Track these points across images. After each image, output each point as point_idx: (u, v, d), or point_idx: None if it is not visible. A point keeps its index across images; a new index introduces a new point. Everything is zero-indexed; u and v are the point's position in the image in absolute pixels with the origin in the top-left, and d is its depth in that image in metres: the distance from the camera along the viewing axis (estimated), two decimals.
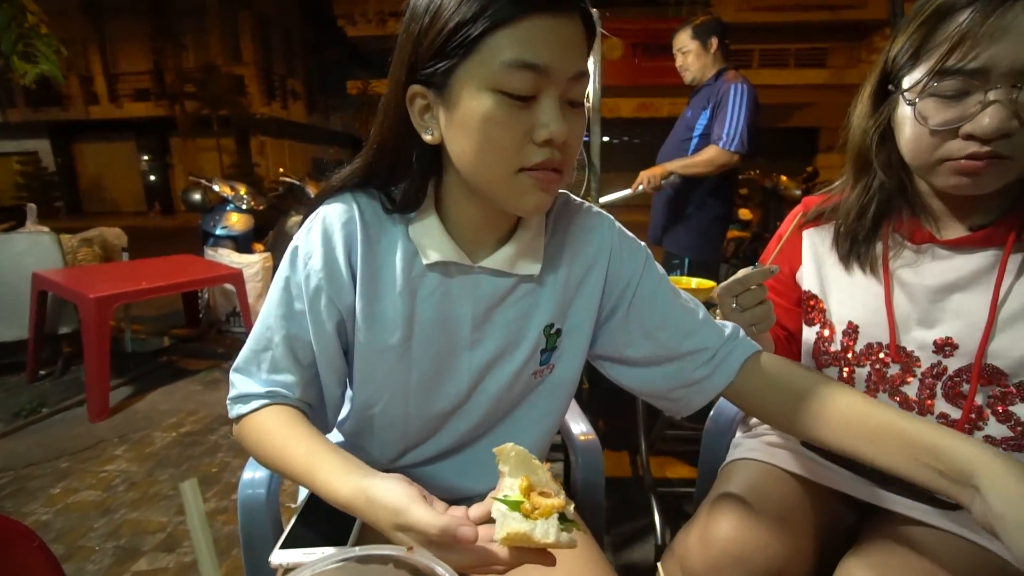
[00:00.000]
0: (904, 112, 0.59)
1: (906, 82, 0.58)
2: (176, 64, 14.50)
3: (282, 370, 0.58)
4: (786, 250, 0.74)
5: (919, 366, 0.64)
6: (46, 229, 2.76)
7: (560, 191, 0.65)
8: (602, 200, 1.76)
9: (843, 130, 0.69)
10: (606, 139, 1.69)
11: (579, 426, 0.88)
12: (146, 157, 16.60)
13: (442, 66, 0.48)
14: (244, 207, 3.47)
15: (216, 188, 3.48)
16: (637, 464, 1.76)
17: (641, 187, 2.12)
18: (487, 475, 0.67)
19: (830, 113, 14.41)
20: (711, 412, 0.95)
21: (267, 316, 0.58)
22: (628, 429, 1.73)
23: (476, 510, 0.44)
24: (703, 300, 1.52)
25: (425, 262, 0.57)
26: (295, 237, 0.58)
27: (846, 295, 0.70)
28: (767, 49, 13.64)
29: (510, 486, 0.42)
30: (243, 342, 0.61)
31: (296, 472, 0.52)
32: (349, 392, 0.66)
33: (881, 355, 0.67)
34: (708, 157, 2.01)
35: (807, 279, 0.74)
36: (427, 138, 0.53)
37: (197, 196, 3.60)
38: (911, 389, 0.65)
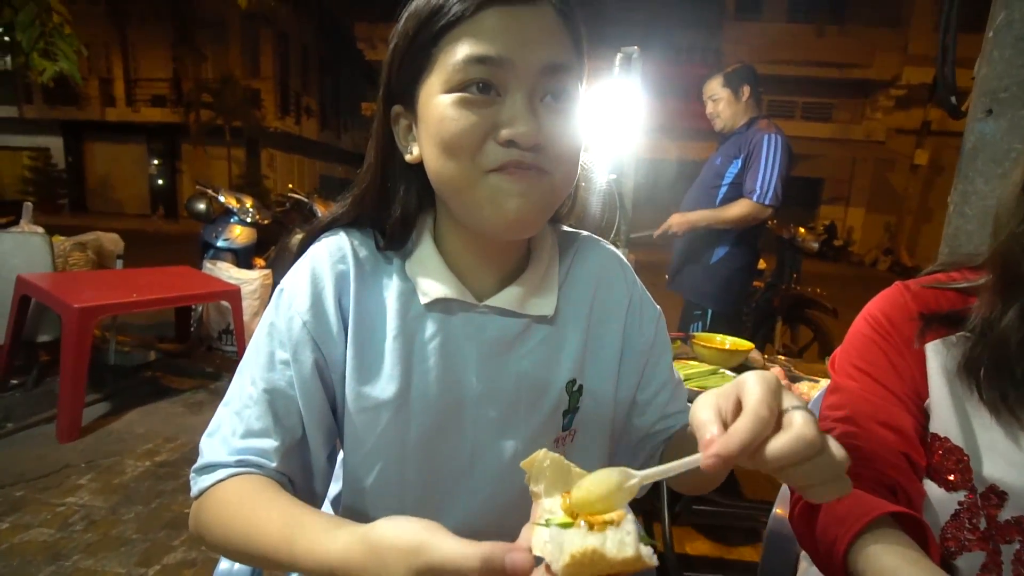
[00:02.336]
0: None
1: None
2: (195, 73, 14.73)
3: (259, 433, 0.48)
4: (897, 364, 0.56)
5: None
6: (40, 229, 2.64)
7: (584, 233, 0.61)
8: (632, 236, 1.67)
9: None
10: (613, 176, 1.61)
11: None
12: (156, 161, 16.67)
13: (410, 79, 0.47)
14: (248, 220, 3.37)
15: (222, 199, 3.39)
16: (653, 532, 1.60)
17: (668, 232, 2.05)
18: None
19: (834, 165, 14.71)
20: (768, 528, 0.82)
21: (246, 368, 0.50)
22: (646, 495, 1.58)
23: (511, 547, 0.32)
24: (738, 363, 1.40)
25: (423, 301, 0.51)
26: (283, 280, 0.53)
27: (993, 448, 0.52)
28: (775, 100, 13.96)
29: (550, 508, 0.32)
30: (234, 362, 0.50)
31: (271, 549, 0.40)
32: (340, 462, 0.56)
33: None
34: (741, 213, 1.94)
35: (941, 419, 0.55)
36: (407, 156, 0.50)
37: (202, 205, 3.50)
38: None
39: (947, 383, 0.54)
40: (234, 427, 0.48)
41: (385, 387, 0.50)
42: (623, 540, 0.29)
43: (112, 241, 3.05)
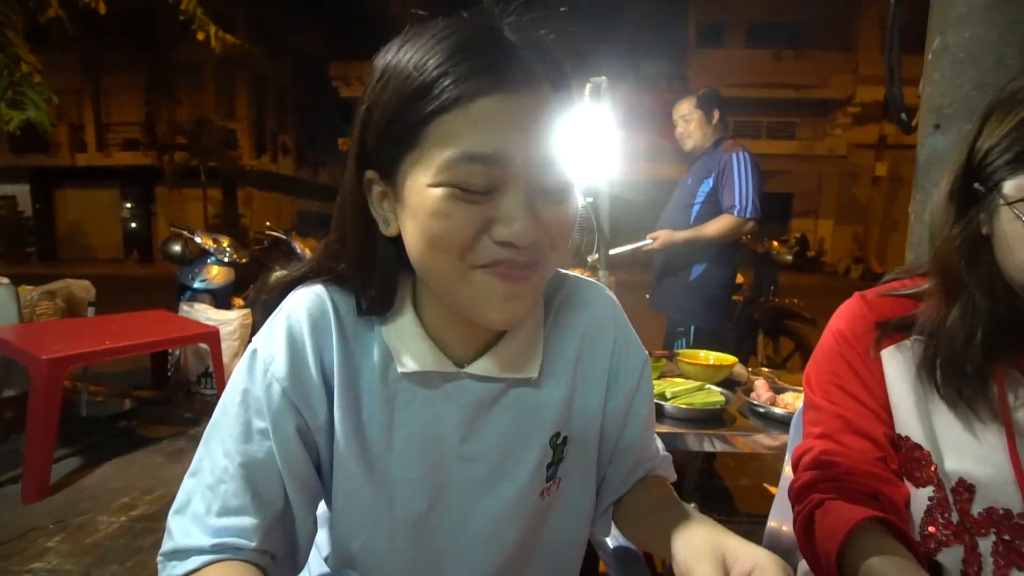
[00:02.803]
0: (1010, 227, 0.49)
1: (1009, 188, 0.49)
2: (169, 116, 14.71)
3: (236, 511, 0.44)
4: (861, 374, 0.59)
5: None
6: (5, 280, 2.56)
7: (562, 272, 0.58)
8: (612, 252, 1.69)
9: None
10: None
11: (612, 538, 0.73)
12: (129, 205, 16.42)
13: (388, 155, 0.42)
14: (226, 259, 3.33)
15: (198, 239, 3.35)
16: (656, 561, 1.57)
17: (652, 242, 2.08)
18: None
19: (802, 180, 15.29)
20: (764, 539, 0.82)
21: (217, 438, 0.46)
22: None
23: None
24: (723, 377, 1.42)
25: (400, 371, 0.48)
26: (254, 338, 0.48)
27: (954, 442, 0.55)
28: (741, 120, 14.54)
29: None
30: (214, 404, 0.47)
31: None
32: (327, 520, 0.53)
33: (1012, 524, 0.52)
34: (723, 228, 1.99)
35: (902, 420, 0.58)
36: (384, 230, 0.46)
37: (177, 247, 3.45)
38: None
39: (905, 385, 0.57)
40: (208, 504, 0.44)
41: (370, 451, 0.49)
42: None
43: (83, 288, 2.97)
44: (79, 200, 16.38)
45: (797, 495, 0.59)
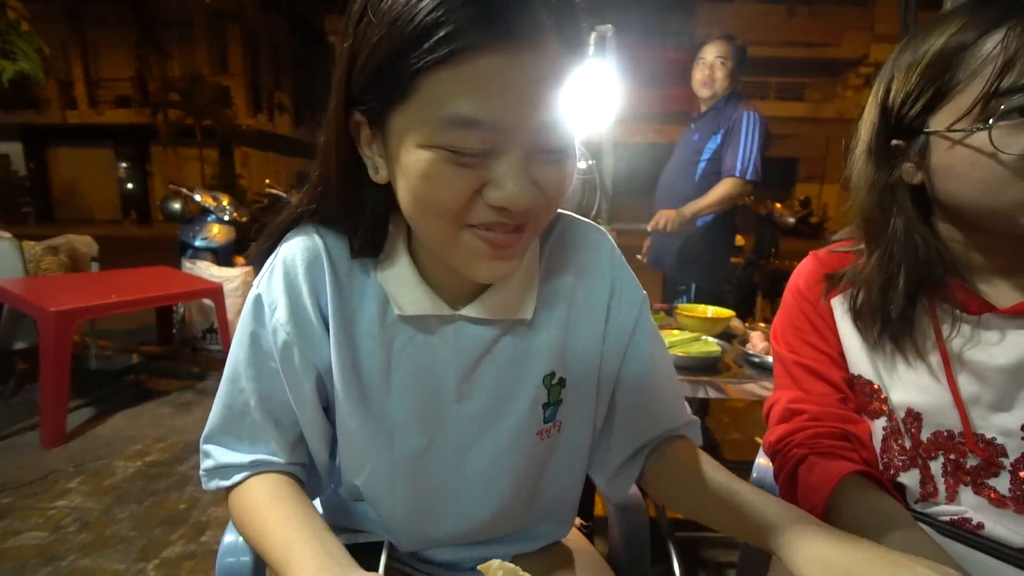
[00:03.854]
0: (952, 154, 0.51)
1: (937, 122, 0.51)
2: (161, 72, 14.28)
3: (264, 438, 0.51)
4: (816, 324, 0.63)
5: (1006, 456, 0.54)
6: (7, 235, 2.56)
7: (561, 212, 0.56)
8: (620, 227, 1.68)
9: (845, 193, 0.62)
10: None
11: None
12: (124, 164, 16.18)
13: (377, 102, 0.39)
14: (226, 218, 3.31)
15: (197, 198, 3.32)
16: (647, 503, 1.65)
17: (657, 227, 2.00)
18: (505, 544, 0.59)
19: (808, 144, 14.97)
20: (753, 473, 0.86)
21: (237, 376, 0.50)
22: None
23: None
24: (722, 330, 1.45)
25: (397, 313, 0.48)
26: (255, 282, 0.50)
27: (898, 376, 0.59)
28: (750, 81, 14.09)
29: None
30: (220, 361, 0.52)
31: (273, 563, 0.44)
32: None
33: (954, 444, 0.57)
34: (726, 193, 1.95)
35: (854, 361, 0.62)
36: (373, 177, 0.44)
37: (177, 205, 3.43)
38: (1002, 484, 0.55)
39: (852, 329, 0.62)
40: (238, 431, 0.51)
41: (369, 392, 0.50)
42: None
43: (85, 244, 2.97)
44: (74, 159, 16.12)
45: (773, 449, 0.63)
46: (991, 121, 0.48)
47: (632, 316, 0.55)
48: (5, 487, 1.67)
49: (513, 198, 0.38)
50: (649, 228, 2.02)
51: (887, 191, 0.56)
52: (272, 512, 0.47)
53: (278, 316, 0.47)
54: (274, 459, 0.51)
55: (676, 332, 1.35)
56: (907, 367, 0.58)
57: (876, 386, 0.60)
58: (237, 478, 0.51)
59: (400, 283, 0.48)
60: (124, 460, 1.88)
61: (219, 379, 0.52)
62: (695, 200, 1.99)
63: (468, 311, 0.49)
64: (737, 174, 1.93)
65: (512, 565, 0.37)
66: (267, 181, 4.48)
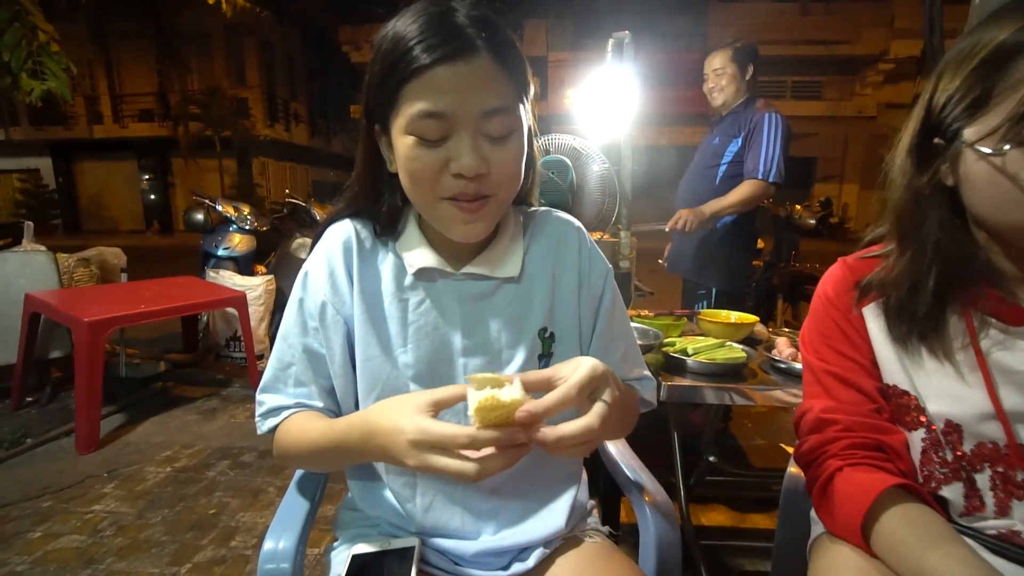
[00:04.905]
0: (977, 167, 0.51)
1: (970, 133, 0.50)
2: (181, 86, 14.65)
3: (305, 383, 0.63)
4: (847, 332, 0.62)
5: None
6: (43, 248, 2.66)
7: (543, 208, 0.71)
8: (634, 229, 1.68)
9: (879, 190, 0.61)
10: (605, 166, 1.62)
11: (644, 480, 0.77)
12: (147, 176, 16.61)
13: (382, 111, 0.56)
14: (247, 227, 3.37)
15: (219, 208, 3.39)
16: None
17: (676, 228, 1.93)
18: (523, 520, 0.66)
19: (827, 143, 14.72)
20: (787, 471, 0.85)
21: (286, 335, 0.64)
22: (660, 468, 1.61)
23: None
24: (746, 336, 1.43)
25: (409, 271, 0.62)
26: (305, 263, 0.65)
27: (934, 385, 0.57)
28: (764, 80, 13.92)
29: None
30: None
31: (323, 440, 0.57)
32: None
33: (1001, 456, 0.54)
34: (748, 193, 1.92)
35: (888, 371, 0.61)
36: (389, 167, 0.60)
37: (200, 216, 3.51)
38: None
39: (886, 337, 0.60)
40: (285, 379, 0.63)
41: (387, 341, 0.61)
42: (512, 391, 0.44)
43: (115, 255, 3.07)
44: (99, 172, 16.61)
45: (806, 459, 0.62)
46: (1007, 147, 0.47)
47: (600, 283, 0.67)
48: (46, 491, 1.73)
49: (464, 166, 0.53)
50: (667, 228, 1.98)
51: (924, 190, 0.55)
52: (317, 419, 0.61)
53: (319, 282, 0.62)
54: (313, 402, 0.63)
55: (700, 338, 1.34)
56: (942, 376, 0.56)
57: (912, 396, 0.59)
58: (285, 414, 0.63)
59: (411, 247, 0.63)
60: (155, 466, 1.93)
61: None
62: (715, 199, 1.97)
63: (467, 269, 0.63)
64: (760, 176, 1.91)
65: (494, 375, 0.46)
66: (286, 191, 4.56)
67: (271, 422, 0.63)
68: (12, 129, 15.48)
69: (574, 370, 0.48)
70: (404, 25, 0.53)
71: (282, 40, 16.96)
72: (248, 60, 15.93)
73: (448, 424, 0.45)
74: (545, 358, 0.64)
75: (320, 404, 0.63)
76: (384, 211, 0.63)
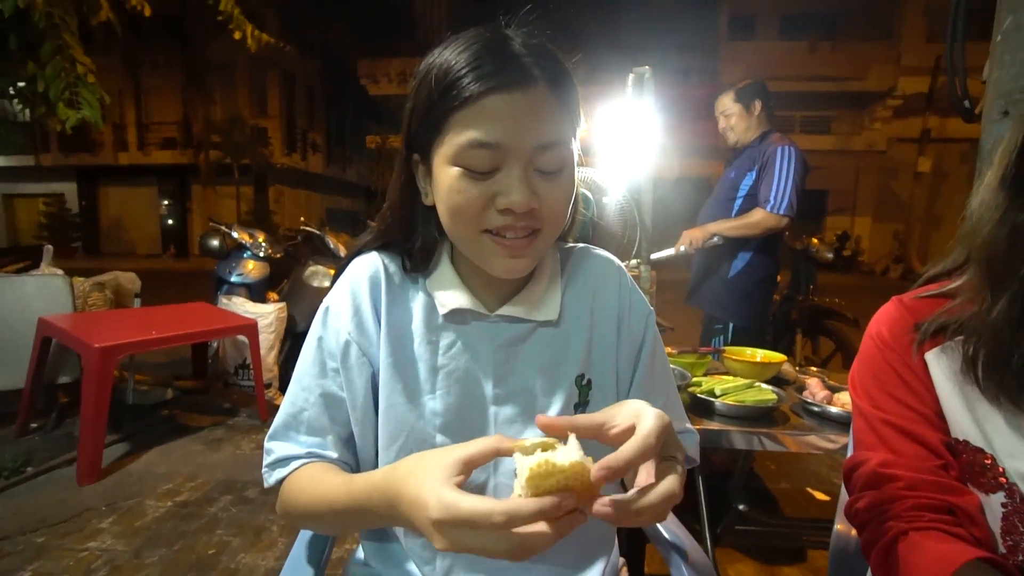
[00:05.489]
0: None
1: None
2: (204, 114, 15.16)
3: (320, 431, 0.57)
4: (906, 378, 0.57)
5: None
6: (60, 272, 2.67)
7: (581, 245, 0.68)
8: (652, 257, 1.66)
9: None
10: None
11: (687, 545, 0.71)
12: (166, 202, 17.04)
13: (425, 139, 0.53)
14: (261, 254, 3.39)
15: (235, 235, 3.42)
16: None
17: (684, 248, 2.05)
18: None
19: (838, 176, 14.75)
20: (834, 528, 0.78)
21: (301, 377, 0.59)
22: (684, 511, 1.52)
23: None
24: (771, 375, 1.37)
25: (441, 312, 0.58)
26: (326, 298, 0.60)
27: (1013, 446, 0.51)
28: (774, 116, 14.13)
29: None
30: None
31: (338, 505, 0.50)
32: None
33: None
34: (755, 220, 1.95)
35: (957, 424, 0.55)
36: (425, 200, 0.57)
37: (215, 242, 3.54)
38: None
39: (954, 387, 0.54)
40: (297, 425, 0.57)
41: (414, 387, 0.56)
42: (569, 452, 0.36)
43: (129, 280, 3.08)
44: (120, 197, 17.07)
45: (862, 518, 0.56)
46: None
47: (641, 327, 0.63)
48: (41, 524, 1.67)
49: (515, 202, 0.49)
50: (675, 249, 2.04)
51: (1021, 226, 0.50)
52: (331, 474, 0.54)
53: (342, 319, 0.57)
54: (328, 452, 0.57)
55: (728, 378, 1.28)
56: (1020, 430, 0.50)
57: (990, 455, 0.52)
58: (295, 465, 0.56)
59: (444, 286, 0.58)
60: (155, 499, 1.87)
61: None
62: (723, 220, 2.00)
63: (502, 311, 0.58)
64: (769, 208, 1.92)
65: (547, 439, 0.39)
66: (301, 219, 4.63)
67: (279, 473, 0.57)
68: (42, 155, 16.05)
69: (634, 416, 0.41)
70: (455, 52, 0.50)
71: (303, 71, 17.57)
72: (270, 90, 16.48)
73: (479, 499, 0.36)
74: (581, 407, 0.59)
75: (335, 455, 0.57)
76: (418, 246, 0.59)
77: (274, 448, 0.58)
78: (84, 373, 1.99)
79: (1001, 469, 0.52)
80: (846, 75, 13.90)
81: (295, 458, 0.56)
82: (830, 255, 3.60)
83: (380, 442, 0.57)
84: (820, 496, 2.00)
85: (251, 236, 3.46)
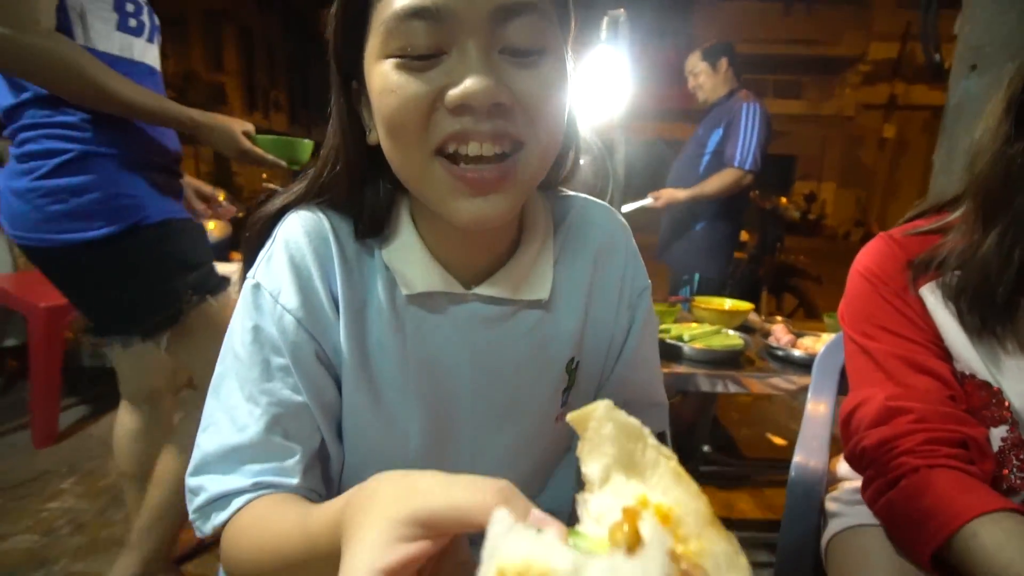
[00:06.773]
0: None
1: None
2: None
3: (272, 455, 0.41)
4: (905, 313, 0.55)
5: None
6: None
7: (570, 193, 0.55)
8: (623, 208, 1.66)
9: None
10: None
11: None
12: None
13: (354, 47, 0.40)
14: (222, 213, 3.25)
15: None
16: None
17: (654, 201, 2.07)
18: None
19: (806, 142, 14.99)
20: (794, 460, 0.81)
21: (233, 386, 0.42)
22: None
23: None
24: (739, 323, 1.40)
25: (405, 293, 0.45)
26: (251, 273, 0.44)
27: (1014, 378, 0.51)
28: (747, 78, 14.04)
29: (597, 513, 0.22)
30: None
31: (291, 550, 0.34)
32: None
33: None
34: (724, 182, 2.00)
35: (964, 357, 0.53)
36: (368, 138, 0.43)
37: None
38: None
39: (953, 321, 0.53)
40: (239, 451, 0.41)
41: (381, 383, 0.46)
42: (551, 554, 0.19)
43: None
44: None
45: (870, 457, 0.54)
46: None
47: (637, 302, 0.55)
48: None
49: (469, 89, 0.34)
50: (649, 197, 2.08)
51: (1017, 158, 0.48)
52: (284, 508, 0.38)
53: (285, 301, 0.42)
54: (284, 480, 0.41)
55: (695, 325, 1.30)
56: (1021, 369, 0.50)
57: (997, 389, 0.51)
58: (237, 503, 0.40)
59: (407, 258, 0.45)
60: None
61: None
62: (697, 186, 2.05)
63: (481, 290, 0.46)
64: (736, 164, 1.98)
65: (627, 419, 0.26)
66: (264, 176, 4.42)
67: (218, 517, 0.40)
68: None
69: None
70: None
71: (262, 26, 16.51)
72: (226, 45, 15.45)
73: None
74: (568, 390, 0.52)
75: (294, 480, 0.41)
76: (369, 205, 0.45)
77: (204, 485, 0.41)
78: (30, 335, 1.88)
79: (1007, 403, 0.51)
80: (819, 39, 13.93)
81: (237, 494, 0.40)
82: (797, 214, 3.70)
83: (348, 461, 0.48)
84: (778, 440, 2.11)
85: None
